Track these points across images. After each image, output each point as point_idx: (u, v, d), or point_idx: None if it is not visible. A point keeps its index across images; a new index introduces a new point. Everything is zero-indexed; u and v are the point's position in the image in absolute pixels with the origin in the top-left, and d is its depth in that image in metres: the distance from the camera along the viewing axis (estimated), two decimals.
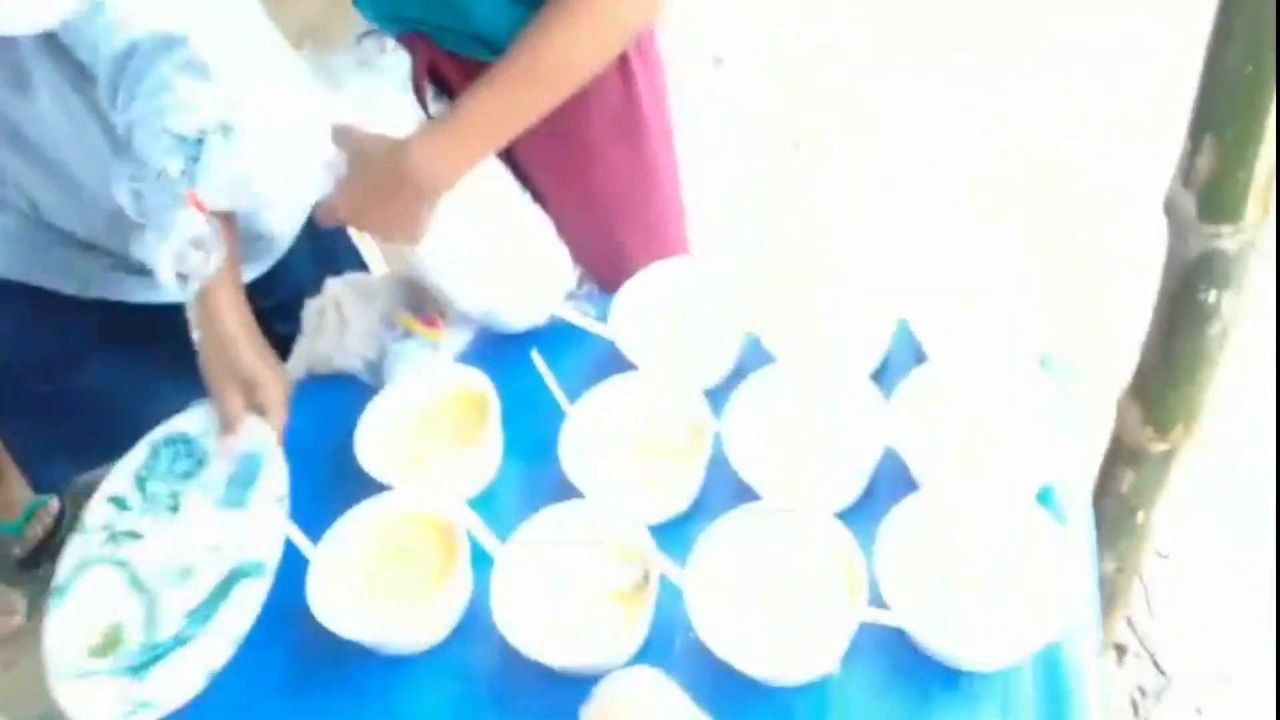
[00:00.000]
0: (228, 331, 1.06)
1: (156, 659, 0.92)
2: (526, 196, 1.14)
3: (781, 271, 1.10)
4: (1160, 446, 1.45)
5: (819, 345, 1.00)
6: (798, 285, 1.08)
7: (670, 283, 1.12)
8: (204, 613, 0.95)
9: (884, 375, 1.01)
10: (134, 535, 1.04)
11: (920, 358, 1.00)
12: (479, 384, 1.04)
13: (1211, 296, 1.17)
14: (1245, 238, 1.09)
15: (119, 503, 1.07)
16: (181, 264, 1.02)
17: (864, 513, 0.87)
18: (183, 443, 1.11)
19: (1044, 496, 0.89)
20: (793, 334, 1.02)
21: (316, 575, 0.92)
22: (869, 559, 0.80)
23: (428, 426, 1.05)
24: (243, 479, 1.05)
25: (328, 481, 1.04)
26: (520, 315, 1.13)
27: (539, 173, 1.22)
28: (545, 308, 1.12)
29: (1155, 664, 1.59)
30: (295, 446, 1.09)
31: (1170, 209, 1.12)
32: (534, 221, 1.12)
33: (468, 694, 0.89)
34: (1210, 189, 1.05)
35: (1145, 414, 1.39)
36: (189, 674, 0.91)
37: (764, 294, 1.06)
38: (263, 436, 1.05)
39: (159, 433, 1.12)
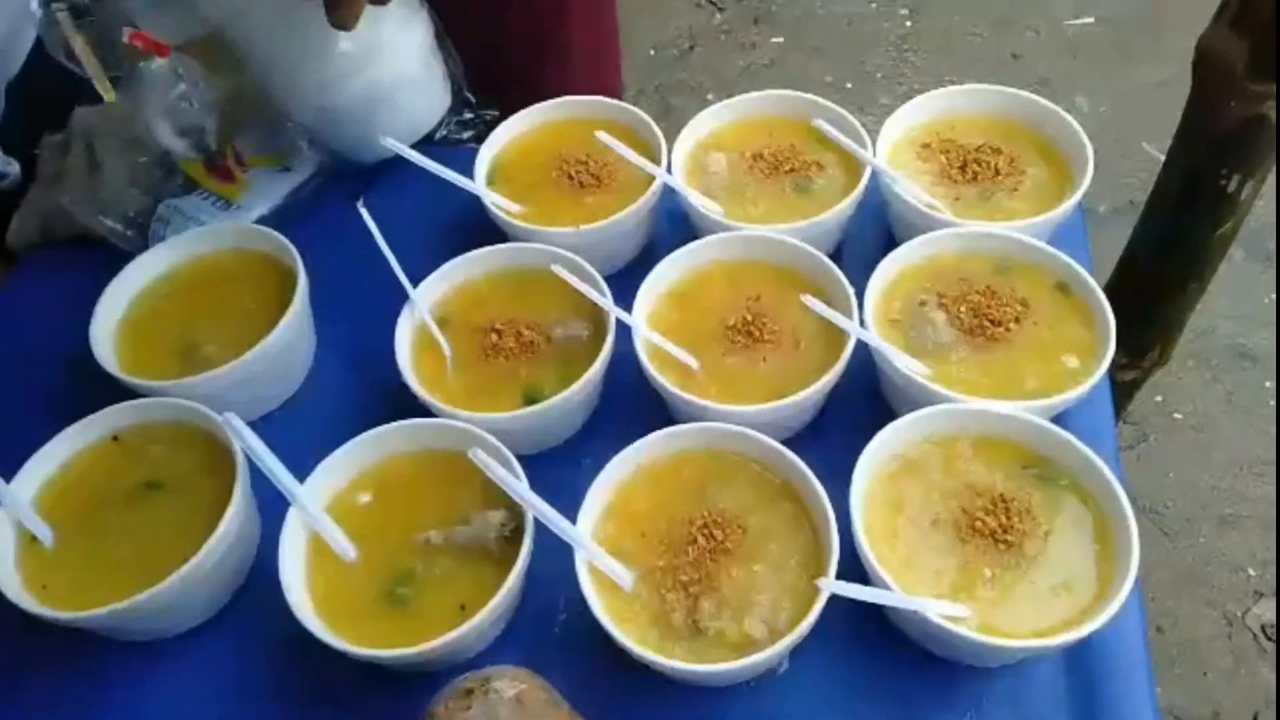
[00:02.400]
0: None
1: None
2: None
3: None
4: (1128, 376, 1.27)
5: (760, 209, 0.81)
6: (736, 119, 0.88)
7: (564, 117, 0.90)
8: None
9: (845, 252, 0.84)
10: None
11: (894, 235, 0.81)
12: (280, 252, 0.80)
13: (1234, 183, 0.96)
14: None
15: None
16: None
17: (829, 443, 0.69)
18: None
19: (1068, 420, 0.68)
20: (727, 193, 0.82)
21: (3, 528, 0.66)
22: (838, 509, 0.60)
23: (202, 311, 0.81)
24: None
25: (60, 388, 0.80)
26: (366, 141, 0.87)
27: None
28: (403, 135, 0.85)
29: None
30: (21, 339, 0.86)
31: (1205, 60, 0.89)
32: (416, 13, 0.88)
33: (245, 697, 0.65)
34: (1270, 34, 0.83)
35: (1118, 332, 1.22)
36: None
37: (693, 137, 0.86)
38: None
39: None
